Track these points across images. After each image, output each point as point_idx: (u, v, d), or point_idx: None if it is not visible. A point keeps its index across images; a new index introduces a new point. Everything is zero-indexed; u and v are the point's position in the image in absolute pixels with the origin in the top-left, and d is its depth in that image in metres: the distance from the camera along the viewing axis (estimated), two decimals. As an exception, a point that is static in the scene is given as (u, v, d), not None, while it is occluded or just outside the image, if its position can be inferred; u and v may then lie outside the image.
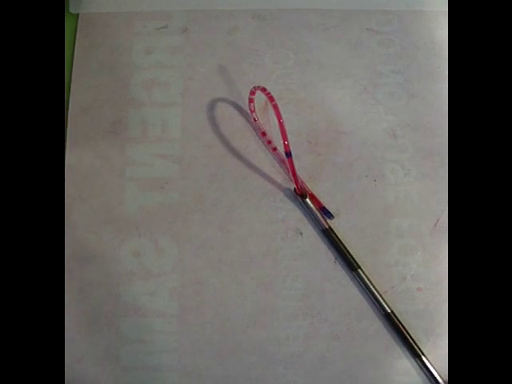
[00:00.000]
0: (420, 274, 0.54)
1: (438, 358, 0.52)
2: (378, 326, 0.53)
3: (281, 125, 0.51)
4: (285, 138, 0.51)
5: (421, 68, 0.61)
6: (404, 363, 0.52)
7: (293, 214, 0.56)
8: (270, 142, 0.57)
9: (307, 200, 0.55)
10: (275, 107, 0.51)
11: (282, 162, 0.57)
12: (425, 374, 0.52)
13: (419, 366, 0.52)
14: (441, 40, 0.62)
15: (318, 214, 0.55)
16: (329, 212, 0.55)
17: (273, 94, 0.58)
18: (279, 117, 0.51)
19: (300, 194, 0.55)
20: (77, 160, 0.57)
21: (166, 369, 0.52)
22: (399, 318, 0.53)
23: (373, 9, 0.63)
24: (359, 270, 0.53)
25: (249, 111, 0.58)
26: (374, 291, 0.53)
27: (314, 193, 0.56)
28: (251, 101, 0.58)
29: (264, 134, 0.58)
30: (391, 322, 0.53)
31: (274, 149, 0.57)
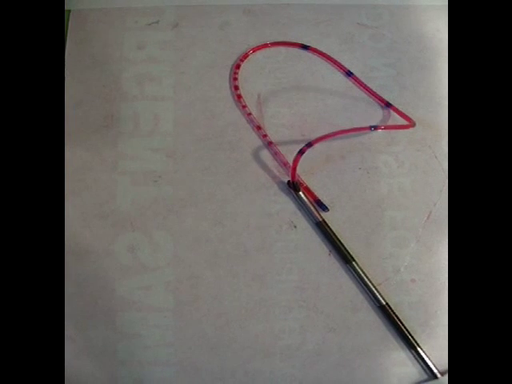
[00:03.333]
0: (414, 265, 0.55)
1: (432, 348, 0.52)
2: (373, 317, 0.53)
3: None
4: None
5: (412, 61, 0.62)
6: (399, 354, 0.52)
7: (287, 207, 0.56)
8: (265, 136, 0.57)
9: (300, 193, 0.54)
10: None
11: (275, 155, 0.57)
12: (420, 364, 0.52)
13: (414, 357, 0.52)
14: (431, 33, 0.63)
15: (312, 207, 0.55)
16: (323, 205, 0.55)
17: (265, 87, 0.59)
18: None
19: (293, 188, 0.55)
20: (69, 154, 0.57)
21: (162, 363, 0.52)
22: (394, 309, 0.53)
23: (363, 3, 0.64)
24: (353, 263, 0.54)
25: (241, 106, 0.59)
26: (369, 283, 0.53)
27: (308, 186, 0.56)
28: (239, 97, 0.58)
29: (259, 127, 0.58)
30: (386, 313, 0.53)
31: (270, 143, 0.57)
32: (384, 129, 0.57)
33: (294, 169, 0.53)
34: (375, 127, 0.55)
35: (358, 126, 0.58)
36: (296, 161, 0.53)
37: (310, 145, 0.53)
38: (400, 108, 0.59)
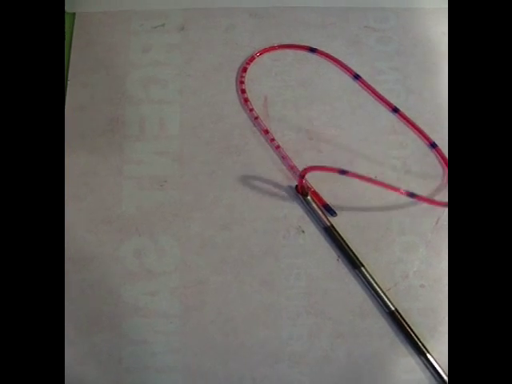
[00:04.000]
0: (423, 271, 0.54)
1: (442, 355, 0.52)
2: (381, 323, 0.53)
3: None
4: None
5: (419, 65, 0.61)
6: (408, 361, 0.52)
7: (294, 211, 0.55)
8: (273, 140, 0.57)
9: (308, 198, 0.54)
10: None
11: (283, 158, 0.56)
12: (430, 371, 0.51)
13: (424, 363, 0.51)
14: (437, 37, 0.63)
15: (320, 212, 0.54)
16: (332, 209, 0.55)
17: (272, 90, 0.59)
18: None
19: (301, 192, 0.54)
20: (74, 158, 0.56)
21: (169, 369, 0.51)
22: (403, 315, 0.52)
23: (370, 6, 0.64)
24: (362, 268, 0.53)
25: (248, 110, 0.58)
26: (378, 289, 0.53)
27: (315, 190, 0.56)
28: (246, 100, 0.58)
29: (267, 131, 0.57)
30: (395, 319, 0.52)
31: (278, 147, 0.57)
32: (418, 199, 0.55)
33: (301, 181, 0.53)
34: (412, 195, 0.53)
35: (365, 129, 0.58)
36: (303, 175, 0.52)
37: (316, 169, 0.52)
38: (407, 113, 0.59)
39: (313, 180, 0.56)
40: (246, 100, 0.58)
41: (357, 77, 0.60)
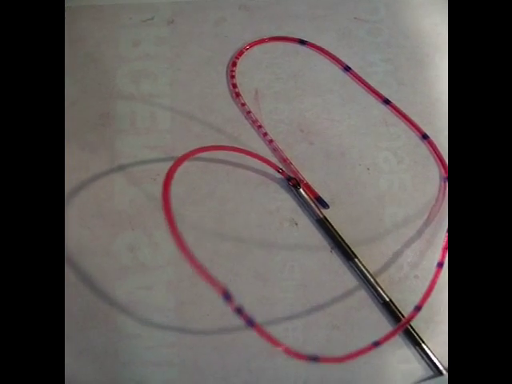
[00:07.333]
0: (416, 261, 0.54)
1: (437, 345, 0.52)
2: (376, 314, 0.53)
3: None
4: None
5: (410, 56, 0.61)
6: (404, 351, 0.52)
7: (287, 204, 0.55)
8: (265, 135, 0.57)
9: (301, 190, 0.54)
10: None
11: (274, 151, 0.56)
12: (425, 361, 0.52)
13: (419, 354, 0.52)
14: (428, 28, 0.63)
15: (312, 204, 0.54)
16: (324, 201, 0.55)
17: (262, 83, 0.59)
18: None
19: (293, 185, 0.54)
20: (65, 154, 0.55)
21: (164, 363, 0.51)
22: (397, 306, 0.52)
23: (360, -3, 0.64)
24: (356, 260, 0.53)
25: (239, 104, 0.58)
26: (372, 280, 0.53)
27: (308, 182, 0.55)
28: (237, 94, 0.58)
29: (260, 126, 0.57)
30: (390, 310, 0.52)
31: (271, 141, 0.57)
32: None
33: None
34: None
35: (356, 120, 0.58)
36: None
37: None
38: (398, 105, 0.59)
39: (305, 172, 0.56)
40: (238, 94, 0.58)
41: (347, 69, 0.60)
